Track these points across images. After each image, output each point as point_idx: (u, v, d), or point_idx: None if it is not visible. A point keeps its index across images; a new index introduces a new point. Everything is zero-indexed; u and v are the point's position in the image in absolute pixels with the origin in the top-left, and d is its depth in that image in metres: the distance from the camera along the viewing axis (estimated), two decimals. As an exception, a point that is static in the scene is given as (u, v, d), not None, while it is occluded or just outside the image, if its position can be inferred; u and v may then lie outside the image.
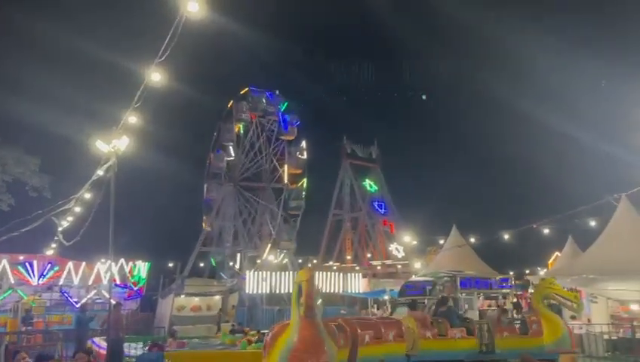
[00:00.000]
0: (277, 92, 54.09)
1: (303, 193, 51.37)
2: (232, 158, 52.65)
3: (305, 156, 51.98)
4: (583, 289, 19.63)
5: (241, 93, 53.39)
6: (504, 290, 18.46)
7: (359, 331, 10.20)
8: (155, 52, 8.54)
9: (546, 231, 22.95)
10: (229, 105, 53.43)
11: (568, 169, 63.86)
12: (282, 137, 52.52)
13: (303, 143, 52.42)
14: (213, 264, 52.57)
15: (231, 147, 52.88)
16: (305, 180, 51.91)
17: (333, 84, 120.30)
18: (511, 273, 30.07)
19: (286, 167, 51.36)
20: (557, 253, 33.89)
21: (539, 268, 44.20)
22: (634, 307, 18.33)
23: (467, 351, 12.11)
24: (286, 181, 51.11)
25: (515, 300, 18.59)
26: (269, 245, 49.59)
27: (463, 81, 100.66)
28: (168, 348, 15.70)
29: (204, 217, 52.90)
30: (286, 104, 53.40)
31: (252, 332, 20.70)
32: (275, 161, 52.83)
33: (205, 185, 53.06)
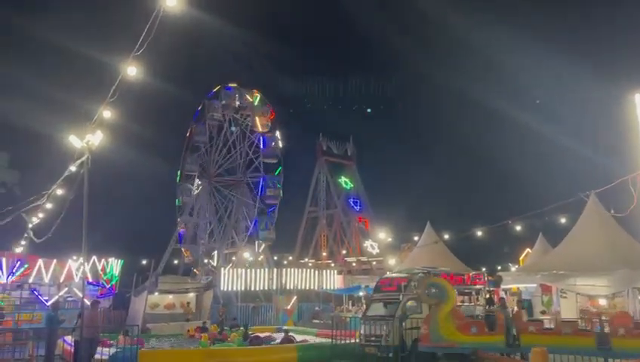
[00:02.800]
0: (250, 88, 53.71)
1: (279, 183, 51.26)
2: (205, 159, 52.41)
3: (280, 145, 51.90)
4: (552, 284, 20.08)
5: (214, 91, 53.04)
6: (477, 286, 18.82)
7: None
8: (132, 46, 8.42)
9: (518, 228, 23.38)
10: (200, 107, 53.10)
11: (540, 167, 65.20)
12: (256, 129, 52.09)
13: (277, 133, 52.28)
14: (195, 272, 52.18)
15: (203, 147, 52.52)
16: (280, 168, 51.87)
17: (309, 82, 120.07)
18: (483, 269, 30.51)
19: (261, 157, 51.09)
20: (528, 250, 34.53)
21: (510, 265, 44.99)
22: (602, 302, 18.83)
23: None
24: (262, 170, 50.87)
25: (487, 296, 18.91)
26: (247, 237, 49.38)
27: (438, 81, 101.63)
28: (116, 344, 15.31)
29: (179, 219, 52.48)
30: (258, 97, 53.14)
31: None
32: (250, 154, 52.58)
33: (179, 188, 52.72)
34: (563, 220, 21.25)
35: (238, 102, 52.52)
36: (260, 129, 51.33)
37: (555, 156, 60.56)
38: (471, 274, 19.12)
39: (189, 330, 24.08)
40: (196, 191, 52.15)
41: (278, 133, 52.29)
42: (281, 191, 51.09)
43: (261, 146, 51.57)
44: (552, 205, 16.04)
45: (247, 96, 52.52)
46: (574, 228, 19.44)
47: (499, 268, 44.25)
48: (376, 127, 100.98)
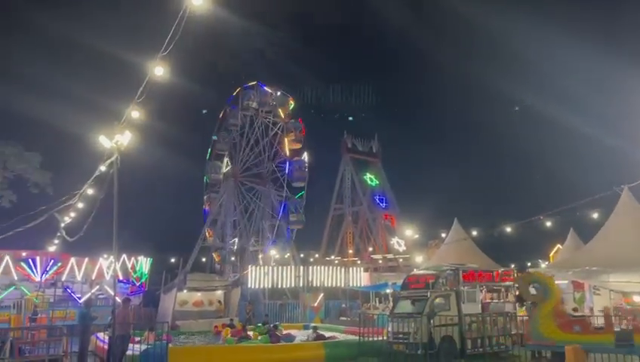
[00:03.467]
0: (284, 93, 53.40)
1: (301, 209, 50.91)
2: (235, 142, 52.70)
3: (306, 170, 51.29)
4: (585, 281, 19.67)
5: (249, 84, 53.23)
6: (506, 283, 18.52)
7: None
8: (159, 46, 8.51)
9: (548, 223, 22.93)
10: (236, 92, 53.36)
11: (569, 161, 63.77)
12: (286, 146, 51.40)
13: (305, 157, 51.70)
14: (215, 259, 52.75)
15: (235, 131, 52.75)
16: (303, 193, 51.54)
17: (333, 79, 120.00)
18: (512, 266, 30.09)
19: (287, 178, 50.62)
20: (558, 246, 33.93)
21: (540, 261, 44.25)
22: (637, 298, 18.35)
23: None
24: (285, 195, 50.39)
25: (517, 293, 18.60)
26: (275, 230, 49.47)
27: (464, 75, 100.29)
28: (145, 341, 15.66)
29: (205, 196, 53.03)
30: (292, 105, 52.99)
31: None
32: (275, 168, 52.30)
33: (208, 164, 53.11)
34: (595, 215, 20.76)
35: (270, 103, 52.41)
36: (287, 151, 50.84)
37: (586, 149, 59.11)
38: (500, 271, 18.82)
39: (216, 327, 24.34)
40: (225, 170, 52.50)
41: (305, 156, 51.61)
42: (303, 216, 50.63)
43: (286, 172, 50.97)
44: (584, 200, 15.65)
45: (280, 111, 52.14)
46: (607, 222, 18.97)
47: (528, 264, 43.58)
48: (402, 124, 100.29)
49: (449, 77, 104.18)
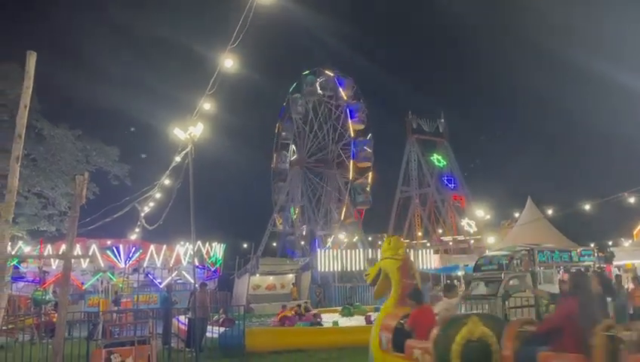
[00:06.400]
0: (345, 76, 53.17)
1: (368, 187, 50.68)
2: (299, 129, 53.32)
3: (372, 149, 50.83)
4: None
5: (310, 71, 53.58)
6: (586, 263, 17.78)
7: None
8: (227, 37, 8.76)
9: (631, 199, 21.68)
10: (298, 80, 53.98)
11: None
12: (350, 127, 51.16)
13: (370, 137, 51.28)
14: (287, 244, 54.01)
15: (299, 119, 53.32)
16: (370, 174, 51.20)
17: (397, 59, 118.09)
18: (592, 245, 28.69)
19: (352, 162, 50.36)
20: (643, 223, 32.07)
21: (622, 239, 41.96)
22: None
23: None
24: (351, 176, 50.23)
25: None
26: (344, 210, 49.63)
27: (535, 50, 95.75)
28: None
29: (273, 186, 54.17)
30: (354, 87, 52.79)
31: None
32: (340, 151, 52.33)
33: (274, 155, 54.17)
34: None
35: (333, 88, 52.45)
36: (352, 133, 50.58)
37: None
38: (578, 250, 18.04)
39: (290, 309, 24.95)
40: (292, 158, 53.43)
41: (370, 137, 51.07)
42: (370, 196, 50.55)
43: (352, 151, 50.46)
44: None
45: (342, 93, 51.82)
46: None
47: (609, 243, 41.43)
48: (470, 101, 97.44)
49: (520, 51, 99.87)
